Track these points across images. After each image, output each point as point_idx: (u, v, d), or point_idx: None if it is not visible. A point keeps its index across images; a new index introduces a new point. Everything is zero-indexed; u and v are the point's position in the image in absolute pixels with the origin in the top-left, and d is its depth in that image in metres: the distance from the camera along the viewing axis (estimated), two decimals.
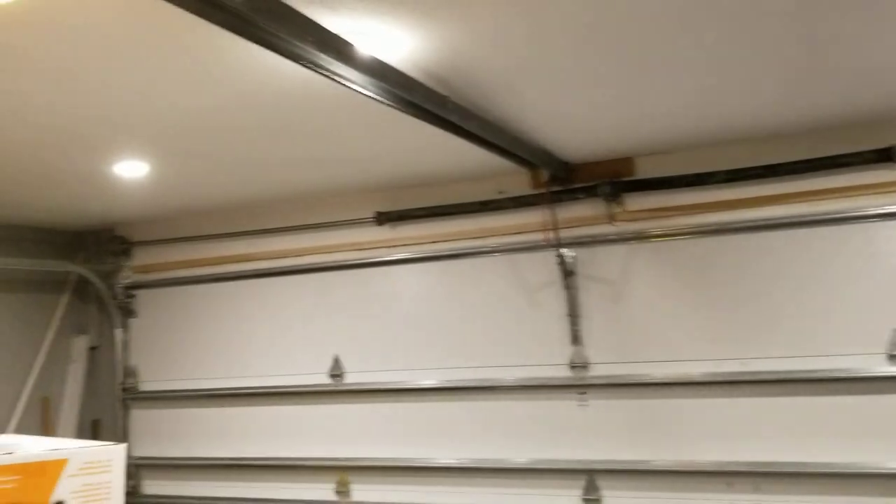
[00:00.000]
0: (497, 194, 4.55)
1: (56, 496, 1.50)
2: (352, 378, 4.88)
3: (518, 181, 4.48)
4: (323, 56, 2.09)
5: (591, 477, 4.27)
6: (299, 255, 5.07)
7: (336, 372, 4.91)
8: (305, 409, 4.99)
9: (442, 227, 4.69)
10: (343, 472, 4.85)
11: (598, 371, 4.31)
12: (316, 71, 2.18)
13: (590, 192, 4.30)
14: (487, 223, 4.59)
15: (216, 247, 5.33)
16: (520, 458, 4.43)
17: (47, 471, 1.50)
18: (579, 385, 4.34)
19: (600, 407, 4.30)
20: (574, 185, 4.34)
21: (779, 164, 3.95)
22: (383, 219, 4.80)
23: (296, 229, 5.08)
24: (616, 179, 4.25)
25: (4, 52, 2.25)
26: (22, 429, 5.06)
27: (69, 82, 2.56)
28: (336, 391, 4.90)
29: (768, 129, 3.81)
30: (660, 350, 4.18)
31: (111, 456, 1.61)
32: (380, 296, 4.85)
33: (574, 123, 3.50)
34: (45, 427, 5.32)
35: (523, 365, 4.46)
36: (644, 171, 4.26)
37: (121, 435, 5.36)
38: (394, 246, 4.82)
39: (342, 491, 4.85)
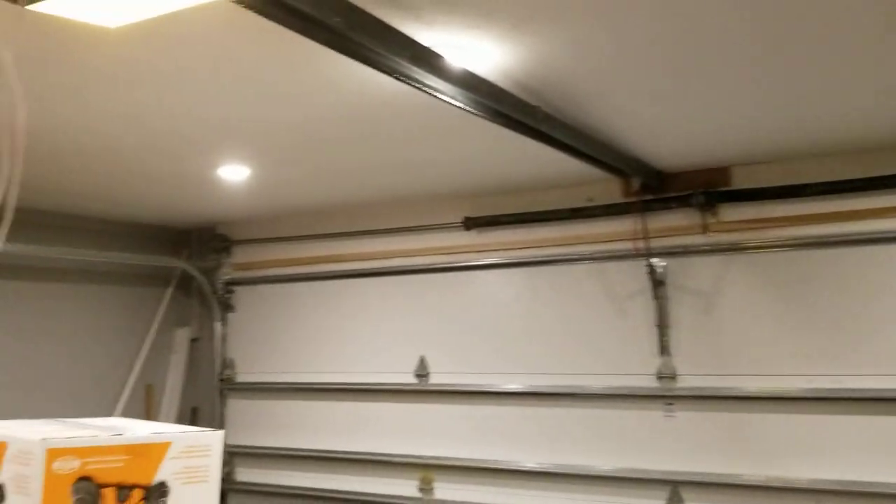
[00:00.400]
0: (587, 202, 4.54)
1: (159, 476, 1.61)
2: (437, 379, 4.96)
3: (608, 189, 4.46)
4: (416, 69, 2.16)
5: (675, 488, 4.22)
6: (389, 258, 5.18)
7: (422, 372, 5.00)
8: (391, 406, 5.10)
9: (530, 234, 4.72)
10: (427, 469, 4.93)
11: (686, 382, 4.25)
12: (409, 83, 2.26)
13: (683, 202, 4.24)
14: (576, 231, 4.59)
15: (310, 247, 5.50)
16: (604, 465, 4.41)
17: (152, 452, 1.61)
18: (666, 396, 4.29)
19: (687, 418, 4.24)
20: (666, 194, 4.29)
21: (879, 177, 3.80)
22: (471, 224, 4.85)
23: (386, 232, 5.19)
24: (710, 189, 4.18)
25: (123, 64, 2.42)
26: (127, 413, 5.35)
27: (179, 93, 2.72)
28: (421, 391, 4.99)
29: (867, 140, 3.68)
30: (751, 363, 4.09)
31: (210, 441, 1.71)
32: (466, 299, 4.91)
33: (667, 132, 3.47)
34: (149, 412, 5.61)
35: (609, 373, 4.44)
36: (740, 181, 4.17)
37: (218, 423, 5.59)
38: (481, 251, 4.87)
39: (425, 488, 4.93)
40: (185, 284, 5.93)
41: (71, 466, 1.51)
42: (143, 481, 1.58)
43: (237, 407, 5.72)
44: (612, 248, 4.47)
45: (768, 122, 3.36)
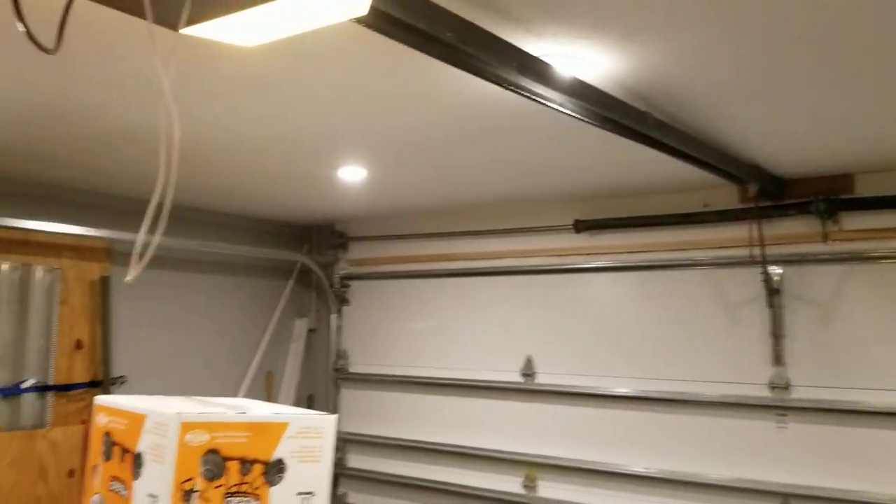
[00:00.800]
0: (701, 207, 4.48)
1: (277, 454, 1.76)
2: (543, 379, 5.01)
3: (724, 194, 4.39)
4: (524, 79, 2.24)
5: (786, 501, 4.11)
6: (499, 258, 5.26)
7: (528, 371, 5.06)
8: (497, 403, 5.19)
9: (641, 238, 4.70)
10: (531, 467, 5.00)
11: (800, 394, 4.14)
12: (517, 92, 2.33)
13: (802, 209, 4.12)
14: (689, 236, 4.53)
15: (422, 245, 5.66)
16: (712, 473, 4.35)
17: (272, 431, 1.76)
18: (779, 406, 4.19)
19: (800, 430, 4.13)
20: (785, 200, 4.19)
21: None
22: (581, 227, 4.87)
23: (497, 233, 5.27)
24: (832, 196, 4.05)
25: (256, 77, 2.61)
26: (249, 397, 5.67)
27: (304, 101, 2.90)
28: (527, 390, 5.05)
29: None
30: (870, 377, 3.94)
31: (324, 424, 1.85)
32: (575, 302, 4.94)
33: (786, 138, 3.39)
34: (268, 397, 5.93)
35: (720, 381, 4.38)
36: (863, 188, 4.02)
37: (331, 410, 5.82)
38: (591, 254, 4.88)
39: (530, 486, 5.00)
40: (305, 278, 6.21)
41: (201, 439, 1.67)
42: (263, 457, 1.73)
43: (350, 396, 5.94)
44: (727, 255, 4.40)
45: (894, 129, 3.23)
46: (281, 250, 5.95)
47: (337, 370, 5.97)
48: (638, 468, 4.59)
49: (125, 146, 3.63)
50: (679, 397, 4.48)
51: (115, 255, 4.94)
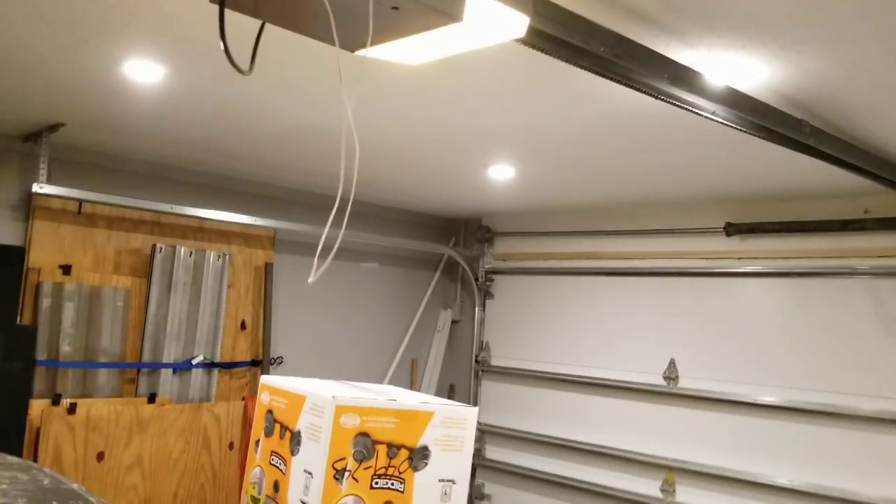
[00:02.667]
0: (861, 213, 4.28)
1: (423, 441, 1.87)
2: (686, 383, 4.94)
3: (887, 201, 4.17)
4: (675, 89, 2.26)
5: None
6: (645, 258, 5.22)
7: (670, 375, 5.01)
8: (637, 405, 5.16)
9: (796, 244, 4.53)
10: (670, 471, 4.95)
11: None
12: (669, 102, 2.36)
13: None
14: (848, 243, 4.34)
15: (567, 242, 5.68)
16: (866, 490, 4.16)
17: (418, 419, 1.88)
18: None
19: None
20: None
21: None
22: (733, 230, 4.76)
23: (644, 233, 5.23)
24: None
25: (418, 86, 2.78)
26: (393, 384, 5.93)
27: (461, 107, 3.05)
28: (669, 393, 5.00)
29: None
30: None
31: (466, 415, 1.95)
32: (722, 306, 4.83)
33: None
34: (412, 384, 6.17)
35: (874, 396, 4.17)
36: None
37: (472, 401, 5.98)
38: (742, 258, 4.76)
39: (667, 490, 4.95)
40: (451, 270, 6.40)
41: (353, 422, 1.82)
42: (409, 443, 1.85)
43: (490, 388, 6.08)
44: (889, 265, 4.18)
45: None
46: (429, 243, 6.15)
47: (478, 362, 6.11)
48: (782, 479, 4.45)
49: (298, 142, 3.92)
50: (829, 409, 4.31)
51: (279, 243, 5.30)
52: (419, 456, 1.87)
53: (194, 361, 4.73)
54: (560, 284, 5.70)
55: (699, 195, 4.68)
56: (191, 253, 4.75)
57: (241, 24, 1.79)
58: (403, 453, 1.85)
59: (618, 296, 5.36)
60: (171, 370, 4.63)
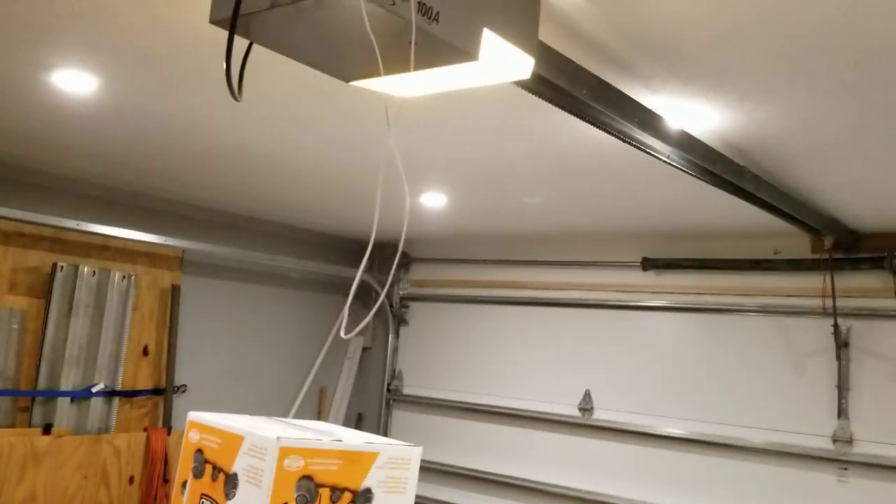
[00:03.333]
0: (771, 254, 4.49)
1: (366, 483, 1.78)
2: (601, 414, 5.01)
3: (796, 243, 4.38)
4: (641, 132, 2.28)
5: None
6: (563, 289, 5.28)
7: (586, 406, 5.07)
8: (552, 436, 5.19)
9: (709, 280, 4.70)
10: (582, 503, 4.99)
11: (864, 448, 4.11)
12: (632, 145, 2.38)
13: (875, 264, 4.11)
14: (758, 282, 4.53)
15: (486, 271, 5.68)
16: None
17: (363, 460, 1.78)
18: (840, 460, 4.16)
19: (862, 486, 4.09)
20: (859, 254, 4.18)
21: None
22: (649, 265, 4.89)
23: (562, 264, 5.29)
24: None
25: (358, 109, 2.69)
26: (301, 412, 5.73)
27: (409, 132, 2.98)
28: (584, 425, 5.05)
29: None
30: None
31: (410, 455, 1.87)
32: (637, 339, 4.94)
33: (874, 194, 3.39)
34: (320, 414, 5.98)
35: (780, 430, 4.36)
36: None
37: (382, 431, 5.88)
38: (657, 292, 4.89)
39: None
40: (364, 295, 6.27)
41: (298, 465, 1.71)
42: (352, 486, 1.76)
43: (401, 418, 5.98)
44: (795, 304, 4.39)
45: None
46: (342, 267, 6.02)
47: (390, 391, 6.01)
48: None
49: (214, 162, 3.73)
50: (738, 443, 4.46)
51: (187, 264, 5.04)
52: (362, 499, 1.79)
53: (94, 389, 4.42)
54: (477, 313, 5.69)
55: (618, 229, 4.77)
56: (94, 273, 4.45)
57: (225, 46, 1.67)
58: (347, 496, 1.76)
59: (535, 326, 5.39)
60: (68, 399, 4.30)
